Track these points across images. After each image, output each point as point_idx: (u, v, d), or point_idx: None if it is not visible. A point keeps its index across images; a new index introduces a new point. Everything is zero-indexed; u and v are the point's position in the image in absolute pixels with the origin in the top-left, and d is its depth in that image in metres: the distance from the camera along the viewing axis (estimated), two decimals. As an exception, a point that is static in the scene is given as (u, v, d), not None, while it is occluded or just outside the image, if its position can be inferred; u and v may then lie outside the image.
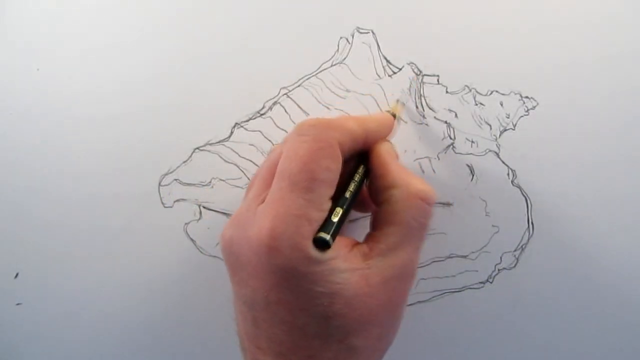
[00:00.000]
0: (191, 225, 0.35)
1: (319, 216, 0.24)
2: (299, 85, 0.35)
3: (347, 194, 0.26)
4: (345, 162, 0.26)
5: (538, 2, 0.34)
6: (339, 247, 0.24)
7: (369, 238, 0.26)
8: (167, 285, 0.36)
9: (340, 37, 0.35)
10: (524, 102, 0.34)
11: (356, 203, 0.28)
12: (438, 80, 0.34)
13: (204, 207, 0.35)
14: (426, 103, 0.35)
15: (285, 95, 0.35)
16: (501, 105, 0.34)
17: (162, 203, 0.35)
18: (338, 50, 0.35)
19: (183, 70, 0.35)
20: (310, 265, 0.23)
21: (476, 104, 0.34)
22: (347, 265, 0.24)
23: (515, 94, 0.34)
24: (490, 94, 0.34)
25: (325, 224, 0.24)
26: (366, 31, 0.34)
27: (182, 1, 0.35)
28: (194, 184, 0.35)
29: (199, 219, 0.35)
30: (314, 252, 0.23)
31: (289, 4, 0.35)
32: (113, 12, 0.35)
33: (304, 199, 0.23)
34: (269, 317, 0.24)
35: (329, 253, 0.23)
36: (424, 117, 0.35)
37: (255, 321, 0.25)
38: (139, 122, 0.35)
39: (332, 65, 0.35)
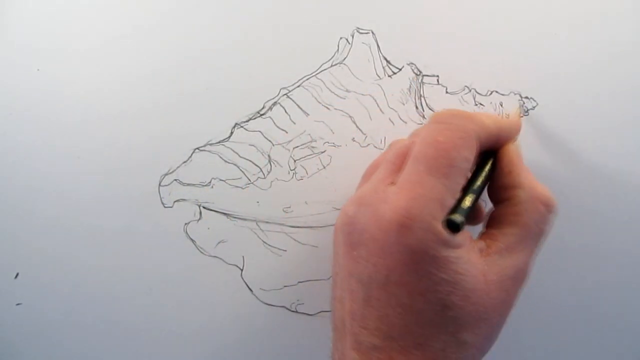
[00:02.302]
0: (191, 225, 0.35)
1: (452, 203, 0.24)
2: (299, 86, 0.35)
3: (479, 182, 0.26)
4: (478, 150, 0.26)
5: (538, 2, 0.34)
6: (465, 238, 0.24)
7: (486, 235, 0.26)
8: (167, 285, 0.36)
9: (340, 38, 0.35)
10: (524, 102, 0.34)
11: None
12: (438, 81, 0.34)
13: (204, 207, 0.35)
14: (426, 103, 0.35)
15: (285, 96, 0.35)
16: (501, 105, 0.34)
17: (162, 203, 0.35)
18: (338, 50, 0.35)
19: (183, 70, 0.35)
20: (439, 249, 0.23)
21: (476, 104, 0.34)
22: (469, 257, 0.24)
23: (515, 94, 0.34)
24: (490, 94, 0.34)
25: (456, 209, 0.24)
26: (366, 31, 0.34)
27: (182, 1, 0.35)
28: (194, 184, 0.35)
29: (199, 219, 0.35)
30: (446, 234, 0.23)
31: (289, 4, 0.35)
32: (113, 13, 0.35)
33: (442, 183, 0.23)
34: (385, 297, 0.24)
35: (458, 238, 0.24)
36: (424, 117, 0.35)
37: (368, 300, 0.24)
38: (139, 122, 0.35)
39: (332, 66, 0.35)
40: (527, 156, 0.34)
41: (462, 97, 0.34)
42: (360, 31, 0.34)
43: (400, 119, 0.35)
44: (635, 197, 0.34)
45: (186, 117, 0.35)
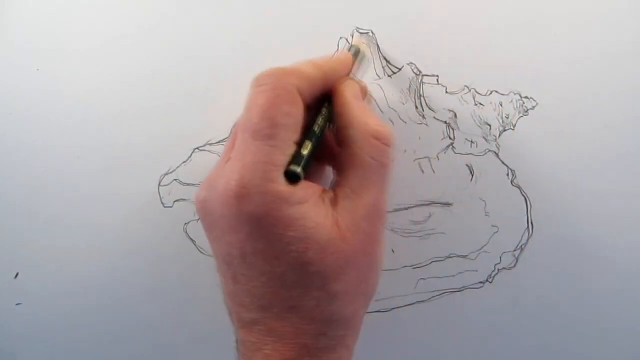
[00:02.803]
0: (191, 225, 0.35)
1: (285, 160, 0.24)
2: (299, 86, 0.35)
3: (315, 128, 0.26)
4: (310, 106, 0.26)
5: (538, 2, 0.34)
6: (309, 193, 0.24)
7: (334, 184, 0.26)
8: (167, 285, 0.36)
9: (340, 37, 0.35)
10: (524, 102, 0.34)
11: (326, 152, 0.28)
12: (438, 81, 0.34)
13: (204, 207, 0.35)
14: (426, 103, 0.35)
15: (285, 95, 0.35)
16: (501, 105, 0.34)
17: (162, 203, 0.35)
18: (338, 50, 0.35)
19: (183, 70, 0.35)
20: (282, 209, 0.23)
21: (476, 104, 0.34)
22: (317, 210, 0.24)
23: (515, 94, 0.34)
24: (490, 94, 0.34)
25: (295, 158, 0.24)
26: (366, 31, 0.34)
27: (183, 1, 0.35)
28: (194, 184, 0.35)
29: (199, 219, 0.35)
30: (285, 187, 0.23)
31: (289, 4, 0.35)
32: (113, 13, 0.35)
33: (268, 145, 0.23)
34: (247, 271, 0.24)
35: (300, 193, 0.24)
36: (423, 117, 0.35)
37: (235, 278, 0.25)
38: (139, 122, 0.35)
39: (332, 66, 0.35)
40: (527, 156, 0.34)
41: (462, 97, 0.34)
42: (360, 31, 0.34)
43: (400, 119, 0.35)
44: (635, 197, 0.34)
45: (186, 117, 0.35)
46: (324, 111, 0.27)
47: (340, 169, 0.26)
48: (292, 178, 0.24)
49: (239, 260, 0.24)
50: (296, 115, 0.24)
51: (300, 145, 0.25)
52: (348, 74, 0.29)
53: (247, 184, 0.23)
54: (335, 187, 0.26)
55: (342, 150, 0.26)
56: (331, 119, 0.28)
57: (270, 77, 0.25)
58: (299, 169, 0.24)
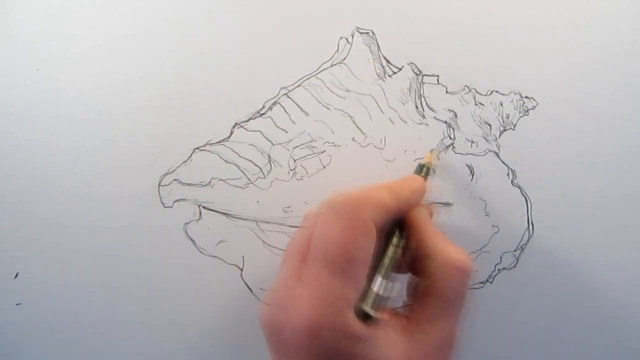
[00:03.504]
0: (191, 225, 0.35)
1: (356, 296, 0.24)
2: (298, 85, 0.35)
3: (386, 260, 0.26)
4: (381, 232, 0.26)
5: (538, 2, 0.34)
6: (379, 327, 0.24)
7: (409, 310, 0.26)
8: (166, 285, 0.36)
9: (340, 37, 0.35)
10: (524, 102, 0.34)
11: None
12: (438, 80, 0.34)
13: (203, 207, 0.35)
14: (426, 103, 0.35)
15: (285, 95, 0.35)
16: (501, 105, 0.34)
17: (162, 203, 0.35)
18: (338, 50, 0.35)
19: (183, 70, 0.35)
20: (352, 346, 0.23)
21: (476, 104, 0.34)
22: (388, 344, 0.24)
23: (515, 94, 0.34)
24: (490, 94, 0.34)
25: (367, 295, 0.24)
26: (366, 31, 0.34)
27: (183, 1, 0.35)
28: (193, 184, 0.35)
29: (199, 219, 0.35)
30: (356, 325, 0.23)
31: (289, 4, 0.35)
32: (113, 12, 0.35)
33: (342, 281, 0.23)
34: None
35: (371, 329, 0.23)
36: (424, 117, 0.35)
37: None
38: (139, 122, 0.35)
39: (332, 65, 0.35)
40: (528, 156, 0.34)
41: (462, 97, 0.34)
42: (361, 31, 0.34)
43: (400, 118, 0.35)
44: (635, 197, 0.34)
45: (186, 117, 0.35)
46: (395, 240, 0.27)
47: (415, 296, 0.26)
48: (363, 315, 0.24)
49: None
50: (370, 248, 0.24)
51: (370, 279, 0.25)
52: (420, 202, 0.29)
53: (320, 320, 0.23)
54: (410, 313, 0.26)
55: (417, 277, 0.26)
56: (402, 245, 0.27)
57: (348, 207, 0.25)
58: (372, 311, 0.24)
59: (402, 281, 0.27)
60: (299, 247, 0.26)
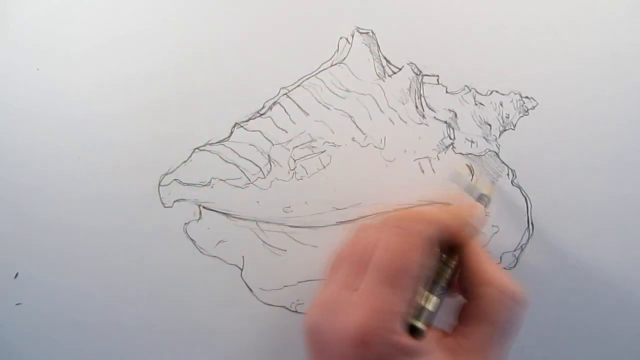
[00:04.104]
0: (191, 225, 0.35)
1: (408, 310, 0.24)
2: (298, 85, 0.35)
3: (442, 282, 0.27)
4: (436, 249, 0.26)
5: (538, 3, 0.34)
6: (428, 343, 0.24)
7: (457, 332, 0.26)
8: (166, 285, 0.36)
9: (340, 37, 0.35)
10: (524, 102, 0.34)
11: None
12: (438, 80, 0.34)
13: (204, 207, 0.35)
14: (426, 103, 0.35)
15: (285, 95, 0.35)
16: (501, 105, 0.34)
17: (162, 203, 0.35)
18: (338, 50, 0.35)
19: (183, 70, 0.35)
20: (400, 357, 0.23)
21: (476, 104, 0.34)
22: (433, 358, 0.24)
23: (515, 94, 0.34)
24: (490, 94, 0.34)
25: (420, 312, 0.25)
26: (366, 31, 0.34)
27: (182, 1, 0.35)
28: (193, 184, 0.35)
29: (199, 219, 0.35)
30: (405, 339, 0.23)
31: (289, 4, 0.35)
32: (113, 12, 0.35)
33: (397, 294, 0.24)
34: None
35: (421, 343, 0.24)
36: (423, 117, 0.35)
37: None
38: (139, 122, 0.35)
39: (332, 65, 0.35)
40: (528, 156, 0.34)
41: (462, 97, 0.34)
42: (361, 31, 0.34)
43: (400, 118, 0.35)
44: (635, 197, 0.34)
45: (186, 117, 0.35)
46: (453, 263, 0.28)
47: (466, 320, 0.26)
48: (413, 330, 0.24)
49: None
50: (425, 265, 0.25)
51: (422, 295, 0.25)
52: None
53: (369, 332, 0.23)
54: (458, 336, 0.26)
55: (471, 303, 0.27)
56: (454, 266, 0.28)
57: (410, 222, 0.26)
58: (423, 326, 0.24)
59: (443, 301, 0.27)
60: (356, 256, 0.26)
